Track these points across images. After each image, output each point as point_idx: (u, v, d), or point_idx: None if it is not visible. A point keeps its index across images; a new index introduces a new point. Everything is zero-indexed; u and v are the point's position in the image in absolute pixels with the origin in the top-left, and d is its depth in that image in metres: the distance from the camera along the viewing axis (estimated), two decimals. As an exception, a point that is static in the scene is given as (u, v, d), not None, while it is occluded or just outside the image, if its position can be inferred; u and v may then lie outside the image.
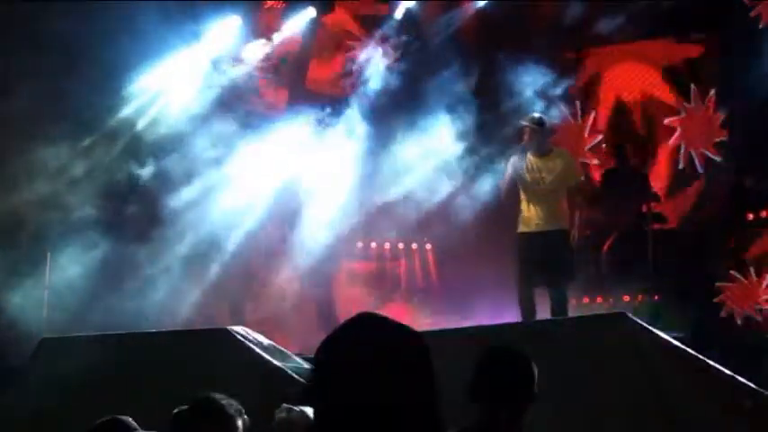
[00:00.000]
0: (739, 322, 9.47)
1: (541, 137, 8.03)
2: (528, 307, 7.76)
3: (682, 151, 11.24)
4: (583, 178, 8.80)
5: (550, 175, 7.89)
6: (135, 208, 9.97)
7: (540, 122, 8.09)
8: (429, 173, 10.61)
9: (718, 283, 10.09)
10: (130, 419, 3.75)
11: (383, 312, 1.83)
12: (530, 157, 7.97)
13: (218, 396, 3.53)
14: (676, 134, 11.28)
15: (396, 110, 11.21)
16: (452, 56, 11.11)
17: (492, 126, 10.63)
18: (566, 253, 7.82)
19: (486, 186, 10.07)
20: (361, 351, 1.70)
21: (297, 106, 10.90)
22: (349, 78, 11.68)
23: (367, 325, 1.76)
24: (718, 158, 10.94)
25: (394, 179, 10.65)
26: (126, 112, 10.10)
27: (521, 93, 10.36)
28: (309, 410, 3.56)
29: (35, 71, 9.15)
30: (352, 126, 10.82)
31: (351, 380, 1.68)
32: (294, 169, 10.39)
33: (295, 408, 3.60)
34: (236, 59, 10.90)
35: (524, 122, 8.15)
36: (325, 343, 1.75)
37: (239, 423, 3.47)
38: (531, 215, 7.90)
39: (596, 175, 11.65)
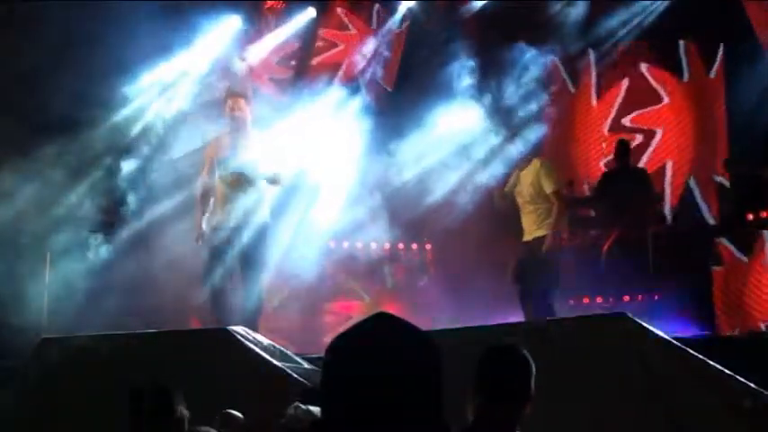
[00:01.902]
0: (763, 328, 9.43)
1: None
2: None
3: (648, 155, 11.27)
4: (563, 186, 9.12)
5: (525, 186, 8.36)
6: (135, 207, 9.95)
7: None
8: (429, 170, 10.62)
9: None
10: None
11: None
12: (516, 171, 8.55)
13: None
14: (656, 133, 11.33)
15: (396, 105, 11.23)
16: (454, 49, 11.13)
17: (491, 122, 10.64)
18: (548, 259, 8.21)
19: (485, 184, 10.08)
20: (371, 351, 1.70)
21: (297, 105, 10.89)
22: (349, 75, 11.70)
23: (378, 325, 1.75)
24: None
25: (394, 177, 10.63)
26: (125, 112, 10.09)
27: (522, 86, 10.56)
28: (315, 409, 3.67)
29: (33, 71, 9.14)
30: (352, 123, 10.81)
31: (359, 379, 1.68)
32: (293, 168, 10.36)
33: (302, 405, 3.73)
34: (237, 59, 10.89)
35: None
36: (334, 341, 1.75)
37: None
38: (523, 225, 8.46)
39: (596, 174, 11.62)
